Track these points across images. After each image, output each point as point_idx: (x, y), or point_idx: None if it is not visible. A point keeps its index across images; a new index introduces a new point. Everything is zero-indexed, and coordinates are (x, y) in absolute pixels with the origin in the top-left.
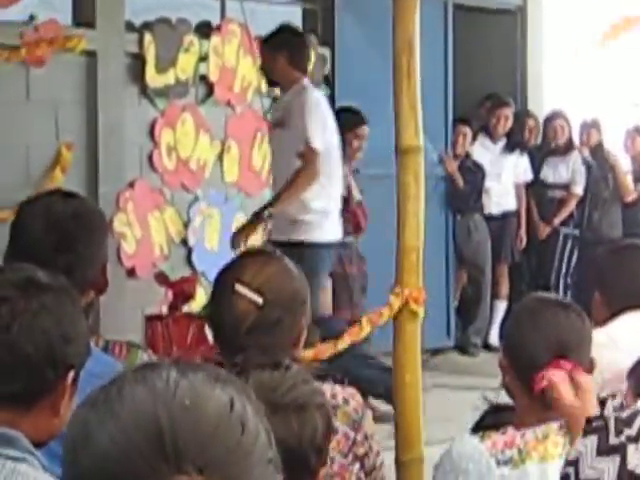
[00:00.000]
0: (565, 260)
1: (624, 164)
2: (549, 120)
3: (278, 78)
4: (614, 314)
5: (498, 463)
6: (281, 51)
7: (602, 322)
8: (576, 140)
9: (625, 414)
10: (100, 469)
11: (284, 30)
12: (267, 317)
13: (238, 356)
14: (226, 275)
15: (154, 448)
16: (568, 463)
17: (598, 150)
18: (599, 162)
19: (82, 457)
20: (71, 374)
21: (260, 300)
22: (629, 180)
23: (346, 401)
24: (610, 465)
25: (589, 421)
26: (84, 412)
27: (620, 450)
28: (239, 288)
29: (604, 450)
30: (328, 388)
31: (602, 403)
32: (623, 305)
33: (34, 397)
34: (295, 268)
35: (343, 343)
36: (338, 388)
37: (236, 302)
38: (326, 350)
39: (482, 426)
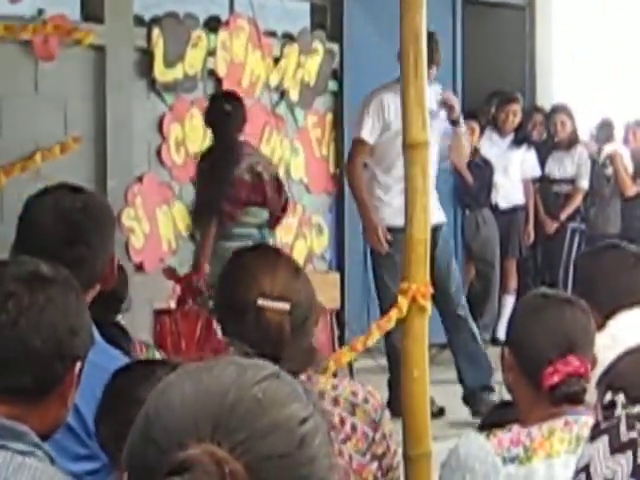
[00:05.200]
0: (573, 255)
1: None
2: (550, 115)
3: None
4: (606, 317)
5: (504, 461)
6: None
7: (598, 327)
8: (583, 135)
9: (637, 409)
10: (158, 417)
11: None
12: (297, 320)
13: (282, 365)
14: (238, 293)
15: (209, 415)
16: (579, 470)
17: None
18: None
19: (151, 405)
20: (78, 365)
21: (287, 306)
22: (628, 175)
23: (366, 400)
24: (623, 462)
25: (597, 425)
26: (177, 373)
27: (632, 445)
28: (264, 303)
29: (616, 448)
30: (348, 386)
31: (611, 405)
32: (612, 306)
33: (43, 391)
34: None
35: (353, 353)
36: (359, 386)
37: (266, 317)
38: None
39: (488, 423)
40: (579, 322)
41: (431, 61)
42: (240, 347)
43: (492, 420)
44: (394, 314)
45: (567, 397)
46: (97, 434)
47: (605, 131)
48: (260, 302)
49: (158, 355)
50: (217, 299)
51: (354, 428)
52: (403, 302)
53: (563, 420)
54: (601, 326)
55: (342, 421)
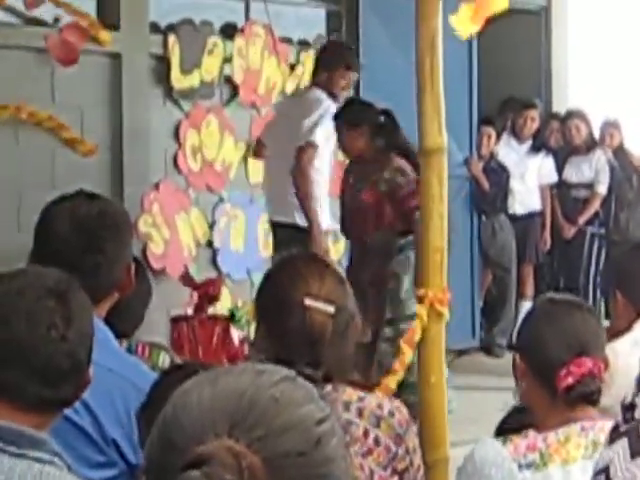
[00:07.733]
0: (594, 259)
1: None
2: (565, 120)
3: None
4: (639, 313)
5: (520, 467)
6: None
7: (629, 323)
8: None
9: None
10: (176, 419)
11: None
12: (340, 325)
13: (317, 371)
14: (286, 292)
15: (226, 413)
16: (598, 472)
17: (620, 150)
18: (621, 163)
19: (169, 409)
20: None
21: (332, 309)
22: None
23: (391, 414)
24: None
25: (616, 427)
26: (194, 379)
27: None
28: (310, 302)
29: (637, 451)
30: (374, 399)
31: (631, 407)
32: None
33: (75, 399)
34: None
35: (398, 375)
36: (385, 399)
37: (311, 317)
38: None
39: (505, 429)
40: (590, 325)
41: (349, 68)
42: (256, 355)
43: (508, 426)
44: (418, 326)
45: (584, 397)
46: (138, 431)
47: (607, 130)
48: (307, 302)
49: (167, 357)
50: (262, 298)
51: (377, 441)
52: (422, 310)
53: (579, 425)
54: (631, 323)
55: (366, 433)
